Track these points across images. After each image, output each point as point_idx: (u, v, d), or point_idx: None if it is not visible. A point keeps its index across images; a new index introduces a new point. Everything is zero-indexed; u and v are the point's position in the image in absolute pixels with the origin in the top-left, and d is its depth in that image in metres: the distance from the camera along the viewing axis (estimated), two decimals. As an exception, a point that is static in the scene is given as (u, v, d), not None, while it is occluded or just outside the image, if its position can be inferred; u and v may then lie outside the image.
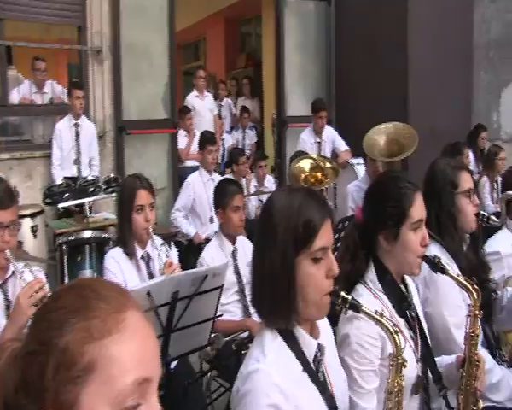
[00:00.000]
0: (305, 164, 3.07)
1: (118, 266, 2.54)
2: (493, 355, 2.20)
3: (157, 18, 5.75)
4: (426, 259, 1.72)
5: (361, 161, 4.32)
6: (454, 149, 5.05)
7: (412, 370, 1.64)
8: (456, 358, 1.73)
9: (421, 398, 1.68)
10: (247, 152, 7.29)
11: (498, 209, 4.74)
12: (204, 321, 2.21)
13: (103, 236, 3.91)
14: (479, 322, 1.70)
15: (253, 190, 5.34)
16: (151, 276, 2.56)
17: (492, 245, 2.62)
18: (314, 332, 1.37)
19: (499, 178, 5.17)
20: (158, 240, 2.62)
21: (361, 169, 4.34)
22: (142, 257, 2.61)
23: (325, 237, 1.28)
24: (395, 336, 1.34)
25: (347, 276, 1.73)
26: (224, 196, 3.04)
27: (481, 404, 1.68)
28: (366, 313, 1.33)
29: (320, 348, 1.33)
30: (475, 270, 2.25)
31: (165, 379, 2.00)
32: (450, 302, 2.04)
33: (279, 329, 1.30)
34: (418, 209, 1.70)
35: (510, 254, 2.50)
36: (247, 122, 7.92)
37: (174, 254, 2.73)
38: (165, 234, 3.47)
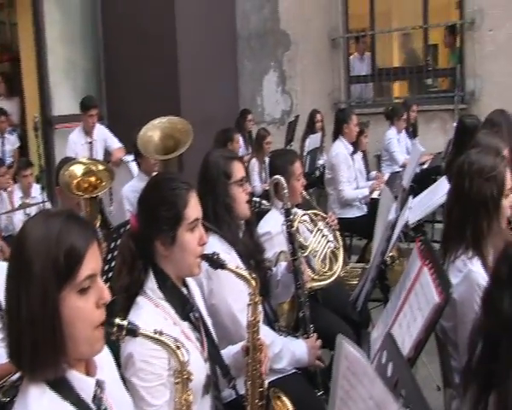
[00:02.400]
0: (76, 169, 2.83)
1: None
2: (273, 329, 2.37)
3: None
4: (205, 257, 1.73)
5: (135, 157, 4.19)
6: (225, 136, 5.30)
7: (201, 371, 1.65)
8: (241, 347, 1.80)
9: (212, 396, 1.71)
10: (9, 160, 6.48)
11: (267, 188, 5.19)
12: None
13: None
14: (259, 309, 1.79)
15: (18, 203, 4.76)
16: None
17: (264, 226, 2.84)
18: (91, 369, 1.24)
19: (267, 160, 5.62)
20: None
21: (135, 166, 4.23)
22: None
23: (92, 263, 1.16)
24: (177, 352, 1.30)
25: (127, 289, 1.65)
26: None
27: (266, 384, 1.78)
28: (145, 336, 1.27)
29: (99, 384, 1.22)
30: (252, 253, 2.39)
31: None
32: (232, 289, 2.09)
33: (47, 380, 1.13)
34: (193, 209, 1.69)
35: (279, 232, 2.72)
36: (5, 126, 7.00)
37: None
38: None
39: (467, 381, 1.47)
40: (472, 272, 1.96)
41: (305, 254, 2.82)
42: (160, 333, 1.29)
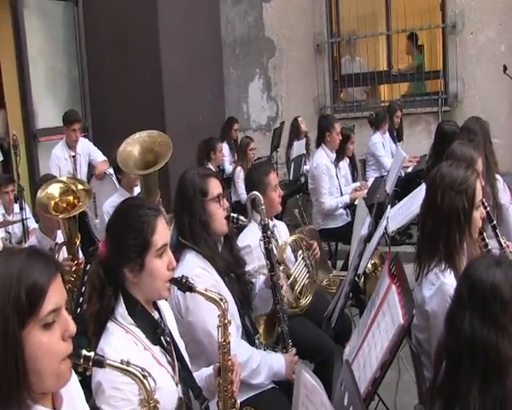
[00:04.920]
0: (54, 190, 2.82)
1: None
2: (252, 342, 2.38)
3: None
4: (174, 281, 1.74)
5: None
6: (208, 146, 5.31)
7: (172, 395, 1.66)
8: (213, 368, 1.81)
9: (184, 418, 1.72)
10: (-9, 175, 6.43)
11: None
12: None
13: None
14: (229, 330, 1.80)
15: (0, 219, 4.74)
16: None
17: (243, 240, 2.84)
18: (56, 402, 1.25)
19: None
20: None
21: (120, 179, 4.23)
22: None
23: (55, 297, 1.16)
24: (144, 381, 1.32)
25: (97, 316, 1.66)
26: None
27: (238, 404, 1.80)
28: (112, 366, 1.28)
29: None
30: (231, 267, 2.40)
31: None
32: (208, 306, 2.08)
33: None
34: (161, 235, 1.70)
35: (259, 245, 2.71)
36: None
37: None
38: None
39: (432, 397, 1.49)
40: (444, 285, 1.98)
41: (288, 282, 2.79)
42: (128, 363, 1.31)
